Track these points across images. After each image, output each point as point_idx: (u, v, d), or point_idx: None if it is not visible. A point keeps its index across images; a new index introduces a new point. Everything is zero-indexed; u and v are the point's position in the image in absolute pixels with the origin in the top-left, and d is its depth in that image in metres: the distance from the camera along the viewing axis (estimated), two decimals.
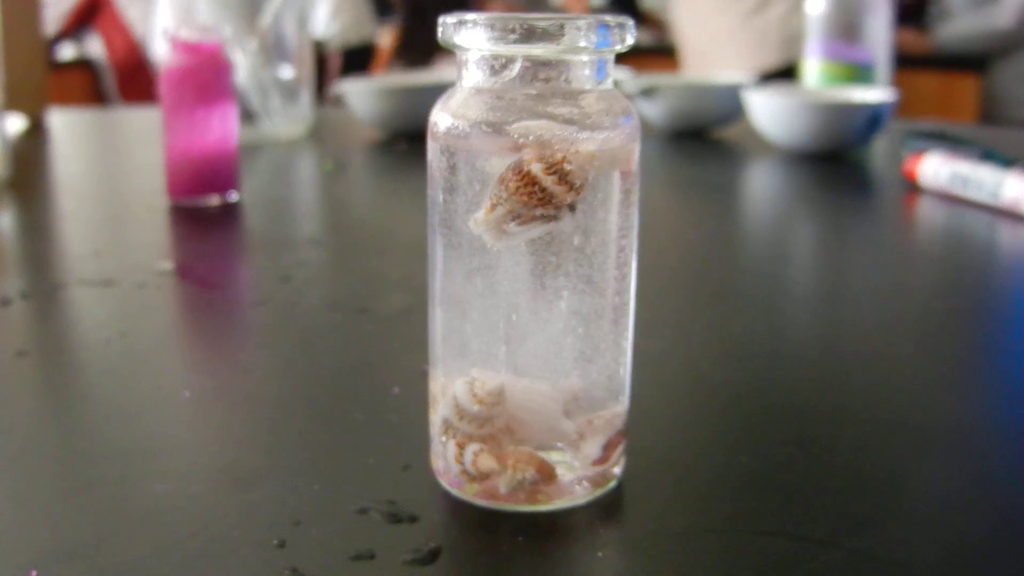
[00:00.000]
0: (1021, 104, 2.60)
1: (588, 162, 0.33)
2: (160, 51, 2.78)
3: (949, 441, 0.44)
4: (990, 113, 2.57)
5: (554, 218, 0.33)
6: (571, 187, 0.33)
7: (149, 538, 0.35)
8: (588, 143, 0.33)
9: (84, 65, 3.11)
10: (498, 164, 0.33)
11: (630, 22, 0.35)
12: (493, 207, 0.34)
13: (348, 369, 0.53)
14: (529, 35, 0.33)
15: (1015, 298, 0.67)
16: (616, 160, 0.35)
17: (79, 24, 3.08)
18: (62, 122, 1.54)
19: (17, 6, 1.46)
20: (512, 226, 0.33)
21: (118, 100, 3.04)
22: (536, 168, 0.33)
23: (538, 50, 0.33)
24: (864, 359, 0.54)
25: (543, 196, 0.33)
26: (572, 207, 0.33)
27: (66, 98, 2.49)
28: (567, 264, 0.35)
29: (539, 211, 0.33)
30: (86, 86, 3.07)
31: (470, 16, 0.34)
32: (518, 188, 0.33)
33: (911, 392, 0.49)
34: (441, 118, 0.35)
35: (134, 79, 3.00)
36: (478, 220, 0.34)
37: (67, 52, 3.17)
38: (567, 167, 0.33)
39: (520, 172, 0.33)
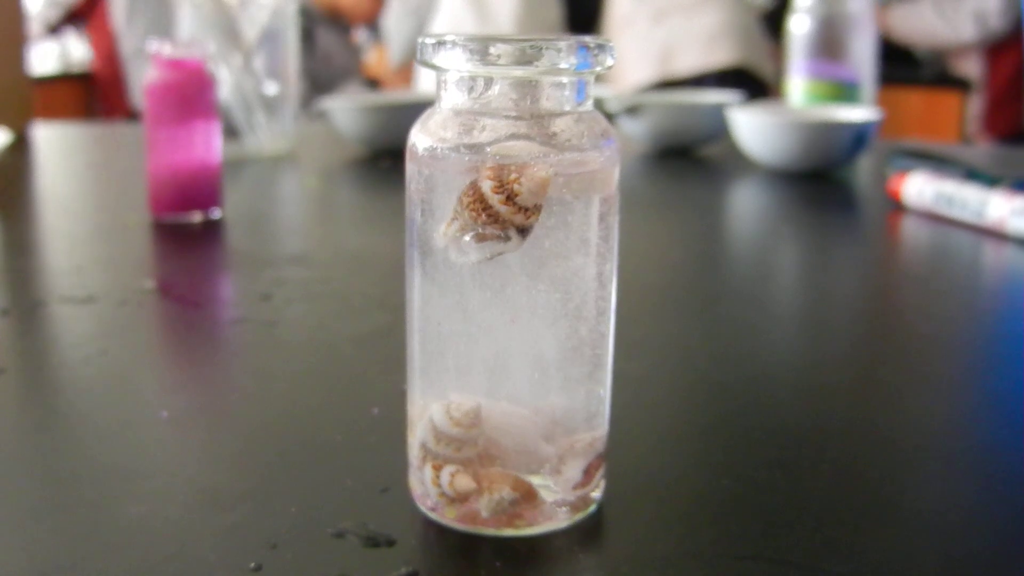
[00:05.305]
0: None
1: (541, 186, 0.33)
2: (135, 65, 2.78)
3: (933, 463, 0.44)
4: (975, 129, 2.59)
5: (504, 239, 0.33)
6: (519, 209, 0.33)
7: (124, 560, 0.35)
8: (543, 167, 0.33)
9: (72, 78, 3.10)
10: None
11: (610, 43, 0.35)
12: (451, 220, 0.34)
13: (327, 389, 0.52)
14: (508, 56, 0.33)
15: (999, 318, 0.67)
16: (594, 183, 0.34)
17: (71, 20, 3.07)
18: (47, 136, 1.53)
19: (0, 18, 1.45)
20: (468, 241, 0.33)
21: (100, 110, 3.03)
22: (487, 186, 0.33)
23: (518, 71, 0.33)
24: (847, 380, 0.54)
25: (490, 215, 0.33)
26: (523, 231, 0.33)
27: (55, 112, 2.48)
28: (546, 287, 0.34)
29: (488, 230, 0.33)
30: (74, 99, 3.06)
31: (449, 36, 0.34)
32: (469, 204, 0.33)
33: (894, 414, 0.49)
34: (419, 139, 0.35)
35: (111, 90, 2.99)
36: (439, 232, 0.34)
37: (53, 64, 3.16)
38: (516, 188, 0.33)
39: (472, 188, 0.33)
